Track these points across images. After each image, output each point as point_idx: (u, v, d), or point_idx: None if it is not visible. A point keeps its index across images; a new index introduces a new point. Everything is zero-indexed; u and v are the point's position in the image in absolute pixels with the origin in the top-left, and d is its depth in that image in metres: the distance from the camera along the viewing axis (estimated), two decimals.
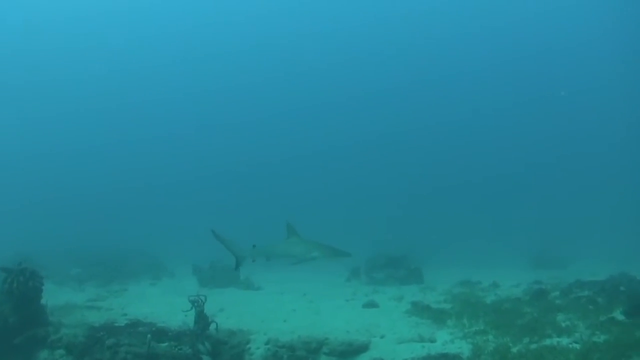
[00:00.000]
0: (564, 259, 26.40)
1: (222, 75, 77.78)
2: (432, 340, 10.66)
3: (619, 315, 11.22)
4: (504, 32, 69.58)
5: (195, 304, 10.64)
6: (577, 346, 9.17)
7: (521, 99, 69.79)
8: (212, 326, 10.62)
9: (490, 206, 54.23)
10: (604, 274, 18.14)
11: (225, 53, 77.42)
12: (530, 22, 67.59)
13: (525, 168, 64.82)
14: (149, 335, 9.59)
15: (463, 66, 72.68)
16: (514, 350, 9.27)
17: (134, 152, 69.39)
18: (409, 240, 29.11)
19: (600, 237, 33.89)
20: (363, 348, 10.39)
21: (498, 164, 65.82)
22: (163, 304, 15.04)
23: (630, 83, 58.89)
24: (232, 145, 71.98)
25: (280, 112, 76.27)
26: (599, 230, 37.48)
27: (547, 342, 9.68)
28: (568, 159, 63.82)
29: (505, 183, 62.29)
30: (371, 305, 14.83)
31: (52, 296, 12.87)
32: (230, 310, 13.79)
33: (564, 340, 9.69)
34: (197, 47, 76.44)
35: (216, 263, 21.79)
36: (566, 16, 65.50)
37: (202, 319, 10.55)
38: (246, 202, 57.60)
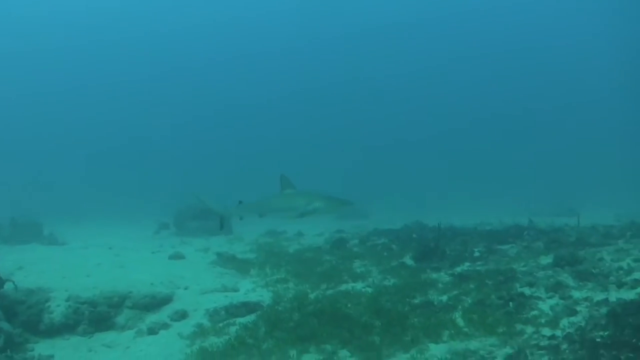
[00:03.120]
0: (367, 209, 27.99)
1: None
2: (235, 290, 10.88)
3: (408, 260, 12.18)
4: None
5: None
6: (370, 290, 9.79)
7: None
8: (9, 285, 9.88)
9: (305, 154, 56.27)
10: (401, 223, 19.58)
11: None
12: None
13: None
14: None
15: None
16: (312, 296, 9.69)
17: None
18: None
19: (400, 188, 36.43)
20: (167, 300, 10.30)
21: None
22: None
23: None
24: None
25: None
26: (401, 182, 40.31)
27: (343, 287, 10.24)
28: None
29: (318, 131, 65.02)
30: (177, 257, 14.73)
31: None
32: (30, 268, 12.79)
33: (359, 285, 10.31)
34: None
35: (17, 219, 20.43)
36: None
37: None
38: None
